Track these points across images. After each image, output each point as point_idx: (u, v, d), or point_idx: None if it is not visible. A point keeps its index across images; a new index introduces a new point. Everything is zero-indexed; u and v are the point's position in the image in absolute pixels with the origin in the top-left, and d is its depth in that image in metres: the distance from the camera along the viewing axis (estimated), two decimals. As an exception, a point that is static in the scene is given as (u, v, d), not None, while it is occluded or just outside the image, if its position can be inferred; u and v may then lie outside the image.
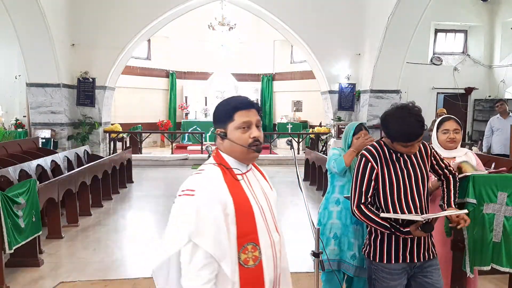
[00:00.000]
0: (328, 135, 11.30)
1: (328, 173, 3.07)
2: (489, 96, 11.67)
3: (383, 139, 2.14)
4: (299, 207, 6.35)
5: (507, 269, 2.61)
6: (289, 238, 5.47)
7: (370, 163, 2.06)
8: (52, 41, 8.85)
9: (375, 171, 2.05)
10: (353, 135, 2.87)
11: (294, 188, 7.68)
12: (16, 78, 10.73)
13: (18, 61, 10.17)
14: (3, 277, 3.53)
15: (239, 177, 1.47)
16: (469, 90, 11.82)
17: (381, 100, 10.36)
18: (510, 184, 2.58)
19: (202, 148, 11.66)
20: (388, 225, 2.01)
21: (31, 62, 9.14)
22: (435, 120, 8.08)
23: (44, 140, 9.10)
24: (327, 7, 10.35)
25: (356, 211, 2.07)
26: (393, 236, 2.05)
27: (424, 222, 1.94)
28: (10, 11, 8.40)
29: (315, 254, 1.87)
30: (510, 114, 6.95)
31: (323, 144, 11.56)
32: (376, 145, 2.12)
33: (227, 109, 1.49)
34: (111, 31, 9.88)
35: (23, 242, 3.78)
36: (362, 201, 2.06)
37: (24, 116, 10.69)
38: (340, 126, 10.25)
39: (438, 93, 11.94)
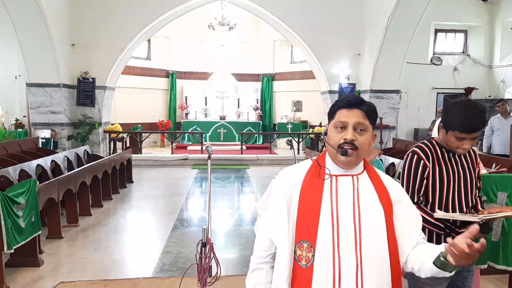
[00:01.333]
0: (328, 135, 11.29)
1: None
2: (489, 96, 11.67)
3: (434, 138, 2.11)
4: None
5: (502, 267, 2.63)
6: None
7: (422, 161, 2.00)
8: (52, 41, 8.85)
9: (427, 169, 1.99)
10: None
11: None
12: (16, 78, 10.74)
13: (18, 61, 10.18)
14: (3, 277, 3.53)
15: (326, 176, 1.40)
16: (469, 90, 11.82)
17: (381, 100, 10.36)
18: (509, 184, 2.59)
19: (202, 148, 11.66)
20: (443, 226, 1.94)
21: (31, 62, 9.13)
22: (435, 120, 8.09)
23: (44, 140, 9.10)
24: (327, 7, 10.34)
25: None
26: (435, 238, 1.98)
27: (481, 223, 1.83)
28: (10, 11, 8.39)
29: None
30: (511, 114, 6.94)
31: (323, 144, 11.57)
32: (428, 143, 2.07)
33: (333, 106, 1.46)
34: (111, 31, 9.88)
35: (23, 242, 3.78)
36: (415, 200, 1.98)
37: (24, 116, 10.69)
38: (340, 126, 10.24)
39: (438, 93, 11.94)
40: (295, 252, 1.36)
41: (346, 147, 1.35)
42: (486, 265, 2.64)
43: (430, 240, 1.97)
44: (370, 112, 1.44)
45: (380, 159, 5.73)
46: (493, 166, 3.26)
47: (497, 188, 2.58)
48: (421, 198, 2.00)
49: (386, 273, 1.34)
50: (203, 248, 2.91)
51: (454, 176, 2.00)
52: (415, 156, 2.02)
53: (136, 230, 5.54)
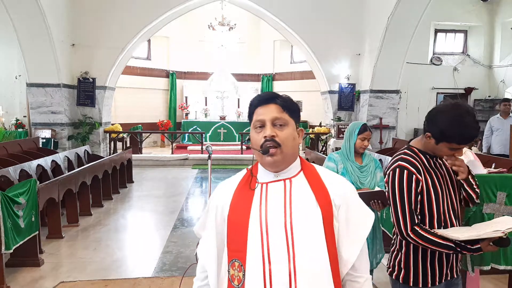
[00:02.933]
0: (328, 135, 11.31)
1: None
2: (489, 96, 11.68)
3: (411, 143, 1.93)
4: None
5: (505, 267, 2.63)
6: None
7: (414, 176, 1.77)
8: (52, 41, 8.85)
9: (420, 183, 1.78)
10: (358, 134, 2.80)
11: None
12: (16, 78, 10.74)
13: (18, 61, 10.18)
14: (3, 277, 3.53)
15: (257, 185, 1.28)
16: (469, 90, 11.82)
17: (381, 100, 10.36)
18: (509, 184, 2.59)
19: (202, 148, 11.66)
20: (453, 245, 1.70)
21: (31, 62, 9.14)
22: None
23: (44, 140, 9.10)
24: (327, 7, 10.35)
25: (411, 235, 1.75)
26: (437, 254, 1.81)
27: (505, 236, 1.64)
28: (10, 11, 8.40)
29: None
30: (511, 114, 6.93)
31: (323, 144, 11.57)
32: (410, 152, 1.85)
33: (250, 107, 1.33)
34: (111, 31, 9.88)
35: (21, 242, 3.78)
36: (416, 221, 1.76)
37: (24, 116, 10.70)
38: (340, 126, 10.25)
39: (438, 93, 11.94)
40: (228, 272, 1.25)
41: (267, 144, 1.23)
42: (490, 267, 2.63)
43: (439, 255, 1.81)
44: (287, 105, 1.28)
45: (380, 159, 5.74)
46: (493, 166, 3.27)
47: (496, 188, 2.58)
48: (419, 217, 1.79)
49: (327, 277, 1.19)
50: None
51: (445, 182, 1.85)
52: (405, 171, 1.78)
53: (136, 230, 5.54)
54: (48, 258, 4.26)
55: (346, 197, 1.27)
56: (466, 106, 1.78)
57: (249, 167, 1.36)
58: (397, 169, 1.80)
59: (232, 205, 1.28)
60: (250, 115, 1.32)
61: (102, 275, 3.87)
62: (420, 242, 1.74)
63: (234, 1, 10.86)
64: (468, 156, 2.77)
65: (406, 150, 1.88)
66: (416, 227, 1.75)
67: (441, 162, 1.89)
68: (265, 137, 1.24)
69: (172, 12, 10.18)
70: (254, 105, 1.31)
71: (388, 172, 1.85)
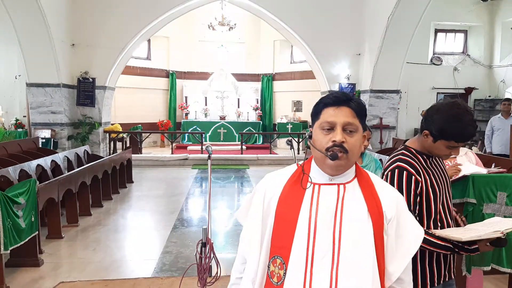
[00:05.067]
0: (328, 135, 11.30)
1: None
2: (489, 96, 11.68)
3: (408, 143, 1.91)
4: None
5: (508, 270, 2.62)
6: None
7: (414, 177, 1.74)
8: (52, 41, 8.85)
9: (420, 184, 1.75)
10: None
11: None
12: (16, 78, 10.74)
13: (18, 61, 10.19)
14: (3, 277, 3.53)
15: (308, 184, 1.25)
16: (469, 90, 11.82)
17: (381, 100, 10.36)
18: (509, 184, 2.58)
19: (202, 148, 11.66)
20: (451, 246, 1.69)
21: (31, 62, 9.13)
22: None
23: (44, 140, 9.10)
24: (327, 7, 10.34)
25: None
26: (435, 256, 1.81)
27: (504, 237, 1.64)
28: (10, 11, 8.39)
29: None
30: (511, 114, 6.93)
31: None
32: (408, 153, 1.83)
33: (318, 104, 1.28)
34: (111, 31, 9.88)
35: (22, 243, 3.78)
36: None
37: (24, 116, 10.70)
38: (340, 126, 10.24)
39: (438, 93, 11.94)
40: (268, 268, 1.24)
41: (335, 150, 1.19)
42: (490, 267, 2.62)
43: (437, 256, 1.83)
44: (360, 110, 1.25)
45: (380, 159, 5.73)
46: (492, 166, 3.26)
47: (496, 188, 2.58)
48: (417, 218, 1.77)
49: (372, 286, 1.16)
50: (203, 248, 2.91)
51: (441, 182, 1.84)
52: (404, 172, 1.75)
53: (136, 230, 5.54)
54: (47, 258, 4.26)
55: (398, 211, 1.25)
56: (465, 105, 1.78)
57: (300, 163, 1.33)
58: (396, 170, 1.77)
59: (282, 199, 1.25)
60: (317, 113, 1.27)
61: (102, 275, 3.86)
62: (422, 245, 1.69)
63: (234, 1, 10.86)
64: (469, 156, 2.76)
65: (403, 151, 1.85)
66: None
67: (436, 162, 1.88)
68: (333, 141, 1.20)
69: (172, 12, 10.18)
70: (326, 103, 1.25)
71: (386, 173, 1.82)
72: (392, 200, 1.26)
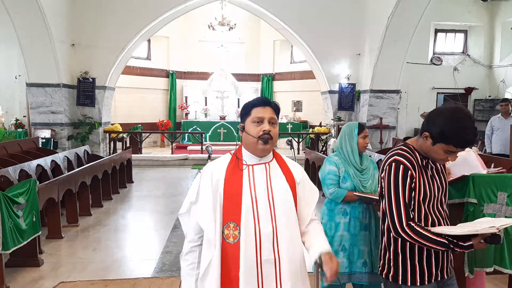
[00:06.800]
0: (328, 135, 11.30)
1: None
2: (489, 96, 11.68)
3: (408, 141, 1.93)
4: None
5: (510, 271, 2.60)
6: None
7: (409, 171, 1.78)
8: (52, 41, 8.85)
9: (414, 179, 1.80)
10: (358, 133, 2.74)
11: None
12: (16, 78, 10.74)
13: (18, 61, 10.18)
14: (3, 277, 3.53)
15: (244, 166, 1.69)
16: (469, 90, 11.82)
17: (381, 100, 10.36)
18: (509, 184, 2.58)
19: (202, 148, 11.66)
20: (446, 241, 1.70)
21: (31, 62, 9.13)
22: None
23: (44, 140, 9.10)
24: (327, 7, 10.34)
25: (407, 231, 1.75)
26: (425, 253, 1.84)
27: (496, 233, 1.68)
28: (10, 11, 8.39)
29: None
30: (511, 114, 6.93)
31: (323, 144, 11.56)
32: (407, 149, 1.87)
33: (247, 106, 1.73)
34: (111, 31, 9.88)
35: (25, 243, 3.78)
36: (411, 216, 1.77)
37: (24, 116, 10.69)
38: (340, 126, 10.24)
39: (438, 93, 11.94)
40: (223, 232, 1.63)
41: (266, 137, 1.66)
42: (492, 269, 2.61)
43: (427, 254, 1.84)
44: (277, 109, 1.75)
45: (380, 159, 5.73)
46: (492, 166, 3.26)
47: (497, 188, 2.57)
48: (413, 213, 1.80)
49: (297, 239, 1.69)
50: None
51: (434, 184, 1.86)
52: (401, 166, 1.79)
53: (136, 230, 5.54)
54: (47, 258, 4.26)
55: (302, 177, 1.81)
56: (467, 111, 1.79)
57: (233, 152, 1.77)
58: (393, 163, 1.81)
59: (227, 179, 1.67)
60: (248, 112, 1.71)
61: (102, 275, 3.86)
62: (415, 237, 1.74)
63: (234, 1, 10.85)
64: (470, 155, 2.76)
65: (402, 147, 1.88)
66: (411, 223, 1.75)
67: (432, 165, 1.89)
68: (263, 130, 1.66)
69: (172, 12, 10.18)
70: (255, 104, 1.71)
71: (384, 167, 1.86)
72: (299, 171, 1.81)
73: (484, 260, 2.53)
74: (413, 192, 1.79)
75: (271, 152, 1.77)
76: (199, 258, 1.70)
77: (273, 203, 1.65)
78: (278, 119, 1.75)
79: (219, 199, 1.65)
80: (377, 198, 2.28)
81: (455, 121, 1.71)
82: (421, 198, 1.81)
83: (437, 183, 1.87)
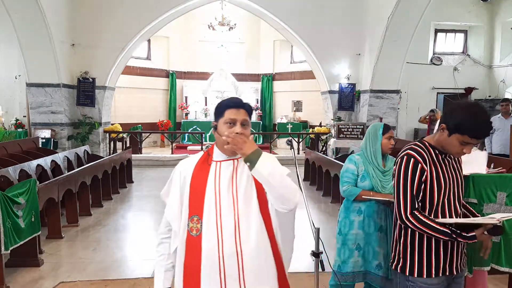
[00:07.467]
0: (328, 135, 11.30)
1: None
2: (489, 96, 11.67)
3: (425, 139, 2.00)
4: (299, 207, 6.34)
5: (506, 269, 2.62)
6: (289, 238, 5.36)
7: (420, 165, 1.87)
8: (52, 41, 8.85)
9: (425, 173, 1.87)
10: (383, 134, 2.73)
11: (294, 188, 7.66)
12: (16, 78, 10.74)
13: (18, 61, 10.19)
14: (3, 277, 3.53)
15: (212, 163, 1.73)
16: (469, 90, 11.82)
17: (381, 100, 10.36)
18: (509, 184, 2.59)
19: (202, 148, 11.65)
20: (449, 231, 1.79)
21: (31, 62, 9.14)
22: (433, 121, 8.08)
23: (44, 140, 9.10)
24: (327, 7, 10.35)
25: (410, 218, 1.84)
26: (433, 246, 1.89)
27: (497, 224, 1.74)
28: (10, 11, 8.40)
29: (315, 254, 1.87)
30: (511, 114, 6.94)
31: (323, 144, 11.57)
32: (421, 145, 1.94)
33: (221, 106, 1.73)
34: (111, 31, 9.88)
35: (21, 242, 3.78)
36: (416, 206, 1.86)
37: (24, 116, 10.70)
38: (340, 126, 10.24)
39: (438, 93, 11.95)
40: (188, 225, 1.67)
41: None
42: (489, 267, 2.62)
43: (436, 246, 1.89)
44: (250, 111, 1.75)
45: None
46: (491, 166, 3.26)
47: (496, 188, 2.58)
48: (419, 204, 1.88)
49: (262, 233, 1.66)
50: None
51: (449, 178, 1.92)
52: (412, 159, 1.88)
53: (136, 230, 5.54)
54: (47, 258, 4.26)
55: None
56: (483, 106, 1.88)
57: (205, 149, 1.82)
58: (405, 157, 1.91)
59: (194, 175, 1.72)
60: (221, 112, 1.71)
61: (102, 275, 3.87)
62: (417, 225, 1.83)
63: (234, 1, 10.86)
64: (475, 155, 2.75)
65: (416, 142, 1.97)
66: (415, 211, 1.84)
67: (449, 161, 1.95)
68: (236, 133, 1.64)
69: (172, 12, 10.18)
70: (228, 105, 1.71)
71: (396, 160, 1.96)
72: None
73: (482, 260, 2.53)
74: (423, 185, 1.86)
75: None
76: (169, 249, 1.78)
77: (237, 197, 1.66)
78: (250, 119, 1.76)
79: (186, 194, 1.71)
80: (392, 200, 2.27)
81: (471, 113, 1.79)
82: (434, 191, 1.87)
83: (453, 178, 1.93)
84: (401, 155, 1.94)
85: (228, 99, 1.76)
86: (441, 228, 1.79)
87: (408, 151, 1.92)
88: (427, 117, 8.10)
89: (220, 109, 1.72)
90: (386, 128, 2.76)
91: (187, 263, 1.67)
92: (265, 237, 1.66)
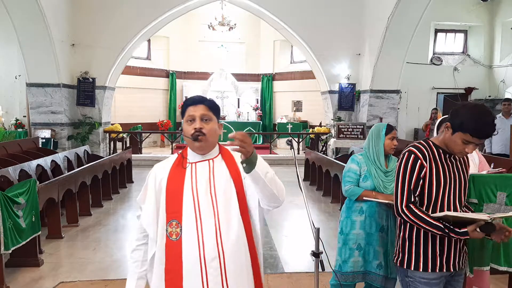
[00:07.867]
0: (328, 135, 11.30)
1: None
2: (489, 96, 11.67)
3: (431, 139, 2.05)
4: (299, 207, 6.35)
5: (504, 268, 2.62)
6: (289, 238, 5.38)
7: (419, 161, 1.93)
8: (52, 41, 8.85)
9: (424, 169, 1.93)
10: (386, 134, 2.74)
11: (294, 188, 7.65)
12: (16, 78, 10.74)
13: (18, 61, 10.19)
14: (3, 277, 3.53)
15: (187, 164, 1.71)
16: (469, 90, 11.82)
17: (381, 100, 10.36)
18: (509, 184, 2.59)
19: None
20: (442, 226, 1.85)
21: (31, 62, 9.14)
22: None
23: (44, 140, 9.11)
24: (327, 7, 10.35)
25: (405, 211, 1.92)
26: (431, 242, 1.94)
27: (488, 222, 1.79)
28: (10, 11, 8.40)
29: (315, 254, 1.87)
30: (512, 114, 6.94)
31: (323, 144, 11.56)
32: (424, 143, 2.00)
33: (183, 106, 1.73)
34: (111, 31, 9.88)
35: (24, 242, 3.78)
36: (412, 200, 1.92)
37: (24, 116, 10.70)
38: (340, 126, 10.25)
39: (438, 93, 11.94)
40: (166, 230, 1.63)
41: (195, 134, 1.64)
42: (489, 267, 2.63)
43: (432, 241, 1.94)
44: (212, 106, 1.72)
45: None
46: (491, 166, 3.26)
47: (496, 188, 2.58)
48: (417, 198, 1.94)
49: (242, 233, 1.63)
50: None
51: (450, 178, 1.95)
52: (412, 155, 1.95)
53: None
54: (47, 258, 4.26)
55: None
56: (488, 107, 1.91)
57: (180, 152, 1.78)
58: (406, 153, 1.98)
59: (169, 179, 1.68)
60: (183, 112, 1.71)
61: (102, 275, 3.86)
62: (412, 218, 1.90)
63: (234, 1, 10.86)
64: (473, 155, 2.76)
65: (420, 141, 2.03)
66: (411, 205, 1.91)
67: (453, 161, 1.98)
68: (195, 128, 1.65)
69: (172, 12, 10.18)
70: (187, 104, 1.71)
71: (399, 157, 2.03)
72: None
73: (481, 259, 2.53)
74: (422, 181, 1.92)
75: (216, 147, 1.76)
76: (144, 256, 1.73)
77: (216, 198, 1.64)
78: (217, 115, 1.73)
79: (162, 198, 1.67)
80: (392, 202, 2.29)
81: (475, 113, 1.84)
82: (433, 188, 1.92)
83: (455, 178, 1.97)
84: (403, 152, 2.01)
85: (189, 98, 1.75)
86: (435, 222, 1.85)
87: (410, 147, 1.99)
88: (428, 124, 8.24)
89: (183, 109, 1.72)
90: (389, 129, 2.76)
91: (168, 269, 1.62)
92: (244, 237, 1.64)
